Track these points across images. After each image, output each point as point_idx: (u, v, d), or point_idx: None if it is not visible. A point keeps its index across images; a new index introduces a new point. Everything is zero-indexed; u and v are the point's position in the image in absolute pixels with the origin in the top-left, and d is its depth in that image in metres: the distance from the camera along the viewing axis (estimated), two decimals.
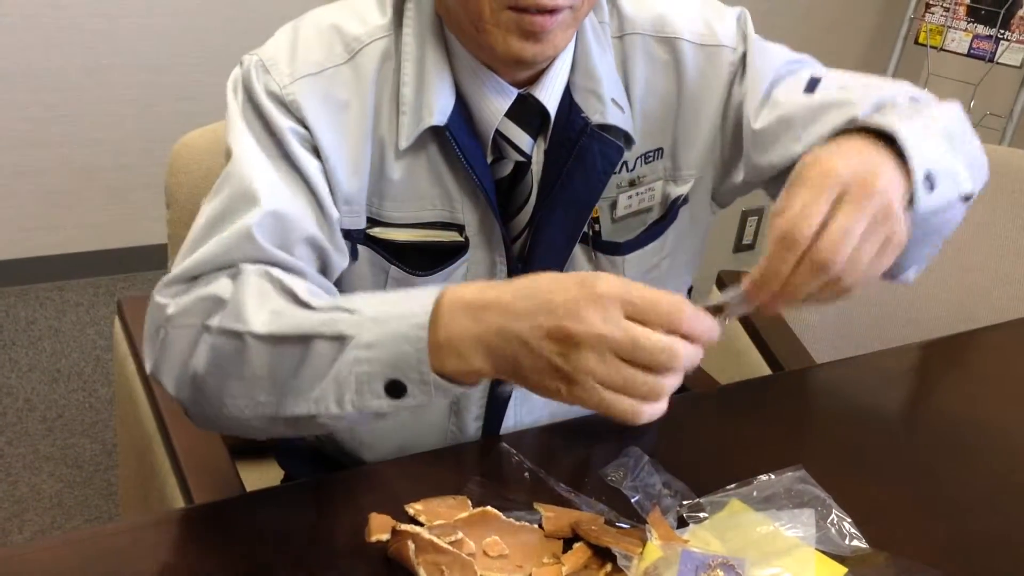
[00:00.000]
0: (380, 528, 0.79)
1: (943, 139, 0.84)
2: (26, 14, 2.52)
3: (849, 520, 0.85)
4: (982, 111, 3.33)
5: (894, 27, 3.52)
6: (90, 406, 2.34)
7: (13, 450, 2.16)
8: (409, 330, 0.71)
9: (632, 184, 0.98)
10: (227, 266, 0.82)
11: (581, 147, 0.93)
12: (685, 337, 0.68)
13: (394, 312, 0.73)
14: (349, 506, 0.83)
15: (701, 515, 0.85)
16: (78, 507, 2.02)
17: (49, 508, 2.01)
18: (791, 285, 0.73)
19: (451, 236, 0.95)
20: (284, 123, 0.88)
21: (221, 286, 0.80)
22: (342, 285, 0.95)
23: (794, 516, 0.84)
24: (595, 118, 0.93)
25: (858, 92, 0.90)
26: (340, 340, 0.73)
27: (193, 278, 0.82)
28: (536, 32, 0.83)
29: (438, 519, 0.81)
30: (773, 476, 0.89)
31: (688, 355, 0.68)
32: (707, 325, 0.70)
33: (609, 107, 0.94)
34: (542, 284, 0.70)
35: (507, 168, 0.94)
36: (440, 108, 0.89)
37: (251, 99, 0.89)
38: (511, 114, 0.92)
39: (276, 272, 0.81)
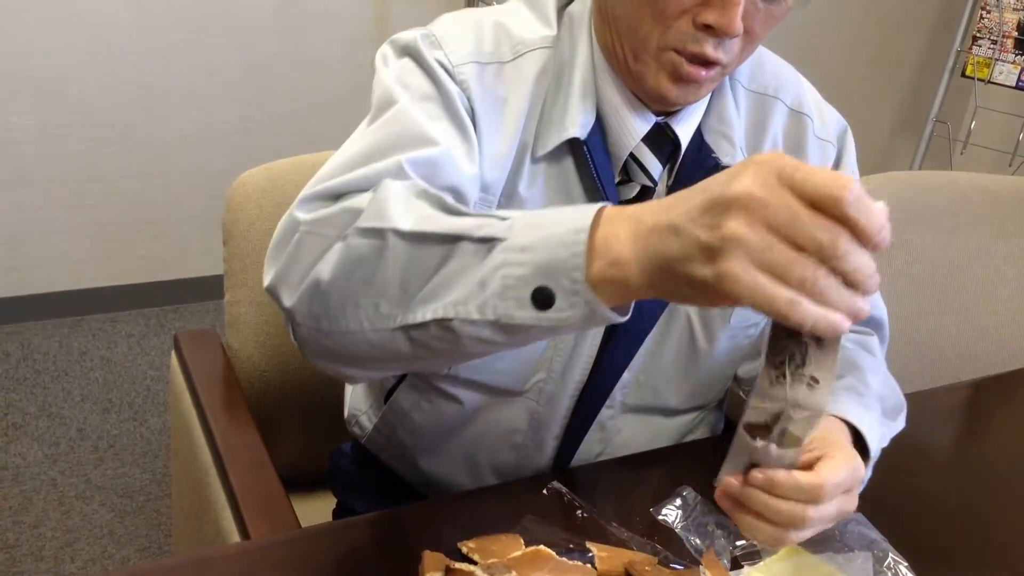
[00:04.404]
0: (434, 566, 0.80)
1: (886, 431, 0.94)
2: (81, 53, 2.59)
3: (905, 564, 0.84)
4: None
5: (940, 60, 3.50)
6: (141, 436, 2.37)
7: (65, 479, 2.20)
8: (566, 234, 0.65)
9: None
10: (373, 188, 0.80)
11: None
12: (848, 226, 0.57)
13: (553, 218, 0.68)
14: (403, 543, 0.84)
15: (755, 557, 0.84)
16: (129, 537, 2.05)
17: (100, 537, 2.04)
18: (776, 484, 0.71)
19: None
20: (454, 88, 0.90)
21: (365, 199, 0.77)
22: None
23: (850, 559, 0.83)
24: (725, 160, 0.96)
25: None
26: (490, 242, 0.68)
27: (338, 196, 0.80)
28: (688, 81, 0.87)
29: (491, 557, 0.81)
30: None
31: (853, 252, 0.56)
32: (876, 218, 0.57)
33: (739, 153, 0.98)
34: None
35: (631, 192, 0.96)
36: (582, 123, 0.92)
37: (420, 63, 0.90)
38: (646, 139, 0.95)
39: (423, 184, 0.80)
